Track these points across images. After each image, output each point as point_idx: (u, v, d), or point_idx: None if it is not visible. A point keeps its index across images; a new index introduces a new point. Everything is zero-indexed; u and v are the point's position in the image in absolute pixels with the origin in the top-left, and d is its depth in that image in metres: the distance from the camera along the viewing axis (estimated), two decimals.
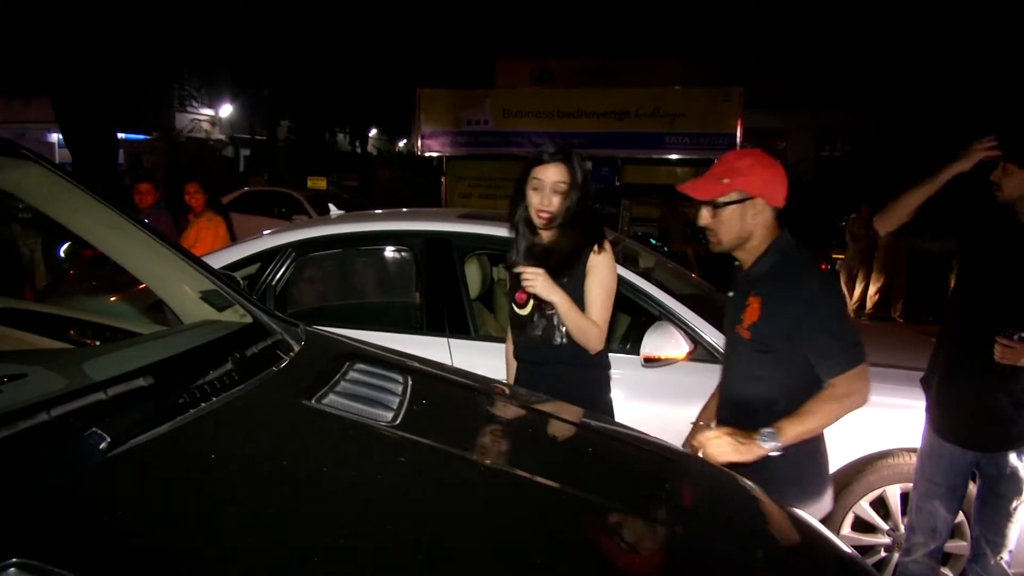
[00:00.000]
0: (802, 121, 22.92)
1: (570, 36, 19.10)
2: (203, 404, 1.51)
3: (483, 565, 1.15)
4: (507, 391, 2.11)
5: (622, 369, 3.48)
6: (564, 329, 2.71)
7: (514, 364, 2.96)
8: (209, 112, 26.32)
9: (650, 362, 3.25)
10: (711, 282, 4.72)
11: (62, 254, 3.77)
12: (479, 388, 2.06)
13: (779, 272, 2.32)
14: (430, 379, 1.99)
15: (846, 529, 3.45)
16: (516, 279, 2.76)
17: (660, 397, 3.39)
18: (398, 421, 1.58)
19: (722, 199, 2.33)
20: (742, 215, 2.33)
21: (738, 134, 14.42)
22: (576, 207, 2.71)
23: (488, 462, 1.44)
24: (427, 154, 16.50)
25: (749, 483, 1.94)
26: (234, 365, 1.71)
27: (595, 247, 2.73)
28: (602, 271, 2.73)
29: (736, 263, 2.50)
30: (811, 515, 2.07)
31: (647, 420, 3.16)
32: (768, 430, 2.17)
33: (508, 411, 1.92)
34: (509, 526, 1.29)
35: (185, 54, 16.07)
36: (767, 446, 2.15)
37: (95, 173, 11.91)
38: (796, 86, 20.82)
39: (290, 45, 18.83)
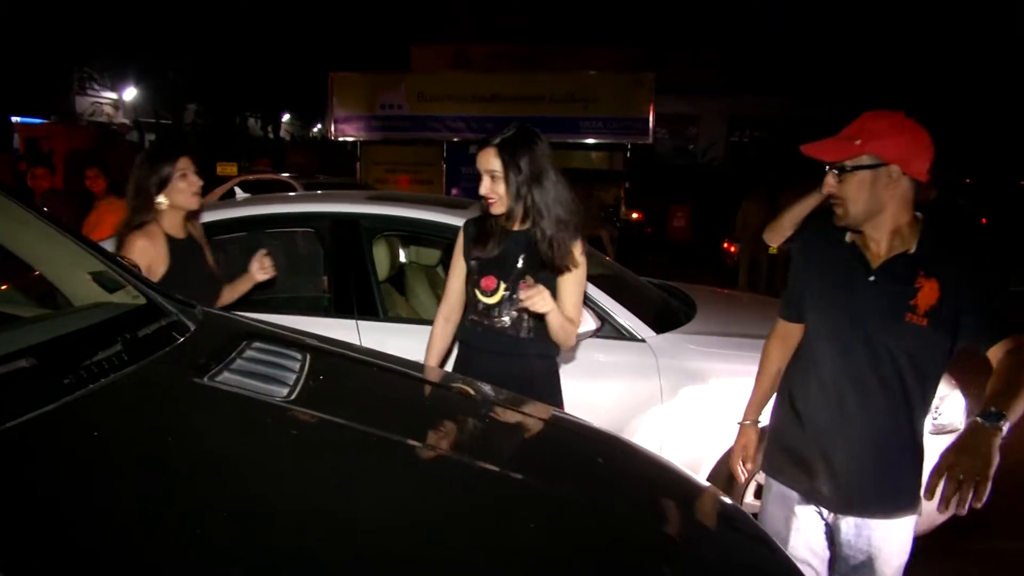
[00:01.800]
0: (713, 107, 23.52)
1: (487, 21, 19.06)
2: (90, 385, 1.47)
3: (373, 532, 1.17)
4: (405, 366, 2.12)
5: None
6: (532, 323, 2.66)
7: (440, 345, 2.88)
8: (112, 95, 25.28)
9: None
10: (625, 264, 4.82)
11: None
12: (378, 364, 2.06)
13: (952, 247, 2.04)
14: (330, 356, 1.99)
15: None
16: (482, 265, 2.70)
17: (571, 373, 3.46)
18: (293, 396, 1.58)
19: (850, 163, 2.04)
20: (873, 183, 2.03)
21: (651, 119, 14.70)
22: (528, 194, 2.59)
23: (381, 432, 1.45)
24: (341, 139, 16.26)
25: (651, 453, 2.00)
26: (124, 346, 1.67)
27: (579, 243, 2.67)
28: (583, 268, 2.68)
29: (848, 240, 2.16)
30: (909, 511, 2.07)
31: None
32: (995, 411, 1.78)
33: (404, 384, 1.94)
34: (404, 494, 1.31)
35: (85, 35, 15.38)
36: (1002, 429, 1.77)
37: None
38: (707, 73, 21.32)
39: (197, 26, 18.23)
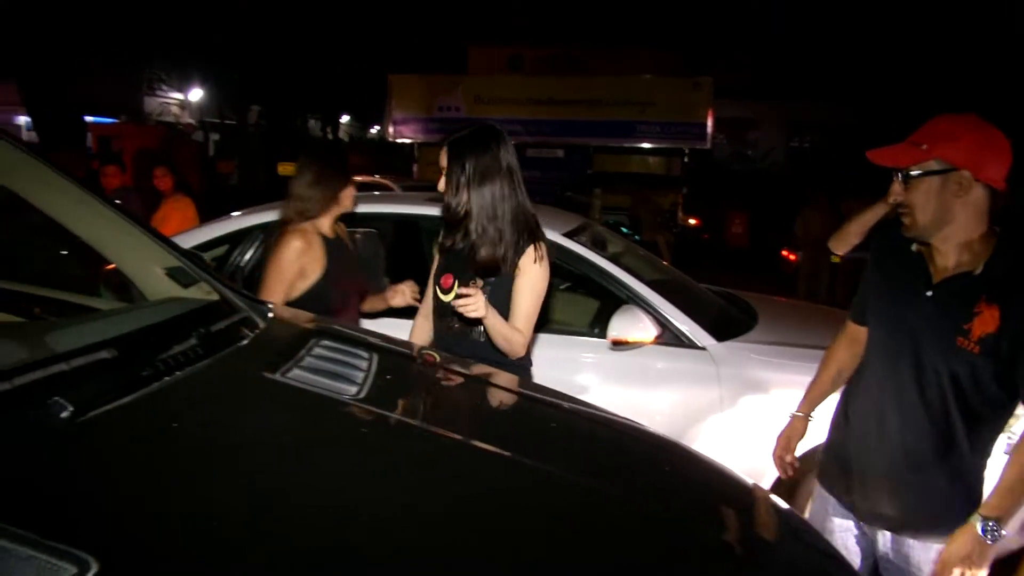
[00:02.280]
0: (772, 112, 23.16)
1: (541, 23, 19.08)
2: (167, 377, 1.51)
3: (440, 529, 1.18)
4: (471, 368, 2.13)
5: (590, 353, 3.53)
6: (483, 328, 2.54)
7: (418, 343, 2.81)
8: (178, 96, 25.97)
9: (617, 345, 3.29)
10: (682, 270, 4.77)
11: (27, 235, 3.72)
12: (445, 365, 2.07)
13: (1016, 272, 1.87)
14: (396, 356, 2.01)
15: None
16: (447, 262, 2.66)
17: (629, 380, 3.44)
18: (362, 395, 1.59)
19: (916, 168, 1.91)
20: (941, 190, 1.88)
21: (709, 123, 14.55)
22: (462, 194, 2.52)
23: (450, 434, 1.46)
24: (399, 140, 16.43)
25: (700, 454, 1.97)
26: (199, 340, 1.71)
27: (531, 250, 2.53)
28: (533, 276, 2.53)
29: (914, 250, 2.05)
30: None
31: (614, 403, 3.21)
32: (987, 520, 1.81)
33: (472, 388, 1.94)
34: (470, 495, 1.31)
35: (155, 37, 15.84)
36: (991, 539, 1.81)
37: (64, 156, 11.73)
38: (765, 77, 21.00)
39: (260, 29, 18.62)
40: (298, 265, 2.87)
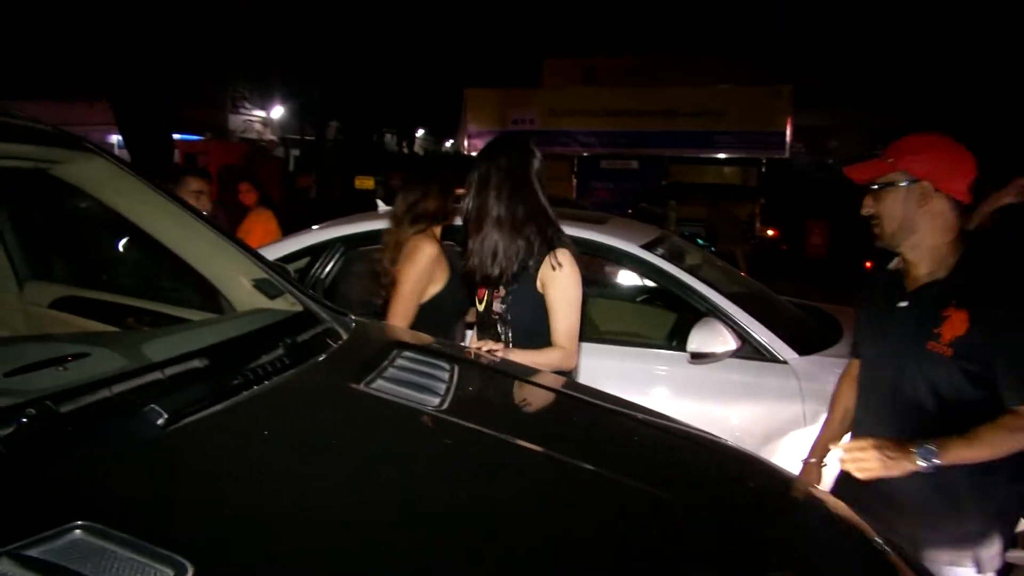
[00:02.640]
0: (852, 120, 22.50)
1: (616, 36, 19.03)
2: (256, 386, 1.55)
3: (517, 538, 1.17)
4: (555, 382, 2.12)
5: (669, 365, 3.48)
6: (510, 336, 2.53)
7: None
8: (261, 114, 26.81)
9: (697, 358, 3.23)
10: (760, 282, 4.67)
11: (120, 248, 3.89)
12: (525, 378, 2.07)
13: (997, 282, 1.97)
14: (476, 367, 2.01)
15: None
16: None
17: (706, 394, 3.37)
18: (445, 406, 1.60)
19: (881, 180, 2.06)
20: (905, 201, 2.01)
21: (788, 133, 14.23)
22: (510, 203, 2.48)
23: (532, 447, 1.45)
24: (473, 154, 16.55)
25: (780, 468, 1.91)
26: (285, 350, 1.75)
27: (549, 259, 2.45)
28: (562, 285, 2.44)
29: (892, 267, 2.18)
30: (971, 560, 1.91)
31: (693, 417, 3.15)
32: (929, 445, 1.86)
33: (555, 400, 1.93)
34: (553, 508, 1.30)
35: (238, 58, 16.41)
36: (922, 463, 1.86)
37: (151, 172, 12.22)
38: (843, 84, 20.42)
39: (339, 47, 19.10)
40: (434, 269, 2.91)
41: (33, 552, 0.90)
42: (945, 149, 2.02)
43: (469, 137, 16.32)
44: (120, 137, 15.40)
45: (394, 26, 19.36)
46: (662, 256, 3.68)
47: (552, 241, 2.48)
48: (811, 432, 3.20)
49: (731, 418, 3.31)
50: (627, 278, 4.88)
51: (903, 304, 2.08)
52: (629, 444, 1.73)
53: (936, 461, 1.86)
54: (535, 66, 19.12)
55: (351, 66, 20.58)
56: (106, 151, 2.23)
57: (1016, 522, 1.96)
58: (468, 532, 1.15)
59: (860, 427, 2.21)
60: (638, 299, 4.74)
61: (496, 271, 2.49)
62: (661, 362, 3.53)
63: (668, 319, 4.13)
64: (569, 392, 1.96)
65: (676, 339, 3.61)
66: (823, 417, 3.21)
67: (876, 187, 2.08)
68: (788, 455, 3.20)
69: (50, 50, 14.10)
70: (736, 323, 3.40)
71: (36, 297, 2.65)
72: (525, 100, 16.08)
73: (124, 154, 15.33)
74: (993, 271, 1.99)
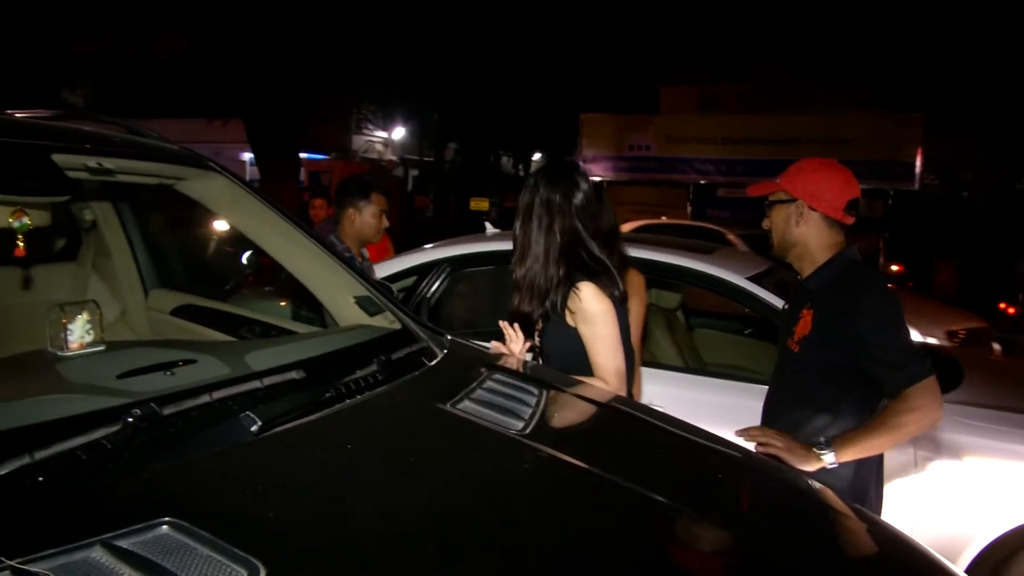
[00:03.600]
0: (990, 149, 21.22)
1: (736, 62, 18.68)
2: (347, 400, 1.61)
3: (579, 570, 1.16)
4: (644, 411, 2.09)
5: None
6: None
7: None
8: (383, 134, 27.74)
9: None
10: None
11: (244, 260, 4.12)
12: (614, 406, 2.05)
13: (839, 285, 2.22)
14: (565, 394, 2.01)
15: None
16: None
17: None
18: (528, 430, 1.61)
19: (771, 198, 2.36)
20: (786, 217, 2.32)
21: (918, 162, 13.60)
22: (545, 235, 2.40)
23: (609, 477, 1.44)
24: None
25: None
26: (379, 367, 1.80)
27: (573, 295, 2.34)
28: (591, 321, 2.34)
29: (798, 276, 2.42)
30: None
31: None
32: (824, 440, 2.12)
33: (643, 432, 1.91)
34: (623, 545, 1.28)
35: (364, 81, 17.05)
36: (824, 459, 2.10)
37: (279, 189, 12.85)
38: (978, 111, 19.25)
39: (459, 72, 19.57)
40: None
41: (123, 543, 0.96)
42: (823, 171, 2.28)
43: (584, 162, 16.33)
44: (251, 155, 16.28)
45: (513, 50, 19.68)
46: (770, 288, 3.58)
47: (574, 275, 2.36)
48: (919, 481, 3.04)
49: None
50: (734, 310, 4.76)
51: (785, 307, 2.54)
52: (713, 479, 1.68)
53: (831, 455, 2.10)
54: (653, 92, 19.03)
55: (471, 89, 21.03)
56: (227, 170, 2.37)
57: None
58: (527, 558, 1.15)
59: (766, 417, 2.49)
60: (745, 332, 4.62)
61: (529, 305, 2.43)
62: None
63: (774, 354, 3.99)
64: (661, 425, 1.93)
65: None
66: (939, 466, 3.05)
67: (767, 203, 2.38)
68: (896, 504, 3.04)
69: (189, 72, 15.07)
70: None
71: (159, 304, 2.83)
72: (642, 126, 16.00)
73: (254, 171, 16.19)
74: (840, 274, 2.24)
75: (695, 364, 4.14)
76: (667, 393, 3.25)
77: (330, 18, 12.54)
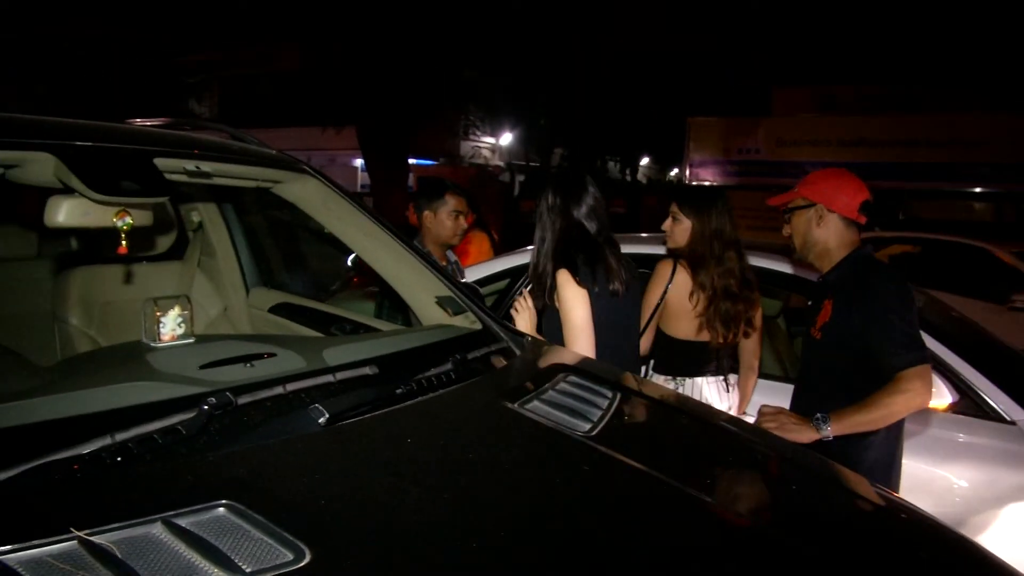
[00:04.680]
0: None
1: (853, 63, 17.93)
2: (419, 397, 1.64)
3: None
4: (722, 418, 2.04)
5: None
6: None
7: None
8: (490, 140, 28.07)
9: None
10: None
11: (349, 263, 4.27)
12: (691, 413, 2.01)
13: (855, 277, 2.47)
14: (640, 398, 1.99)
15: None
16: None
17: (915, 452, 3.07)
18: (594, 433, 1.60)
19: (790, 205, 2.61)
20: (807, 221, 2.57)
21: None
22: (546, 232, 2.77)
23: (672, 483, 1.41)
24: (696, 183, 16.25)
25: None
26: (453, 365, 1.83)
27: (556, 276, 2.67)
28: (564, 304, 2.65)
29: (819, 277, 2.68)
30: None
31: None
32: (822, 415, 2.34)
33: (716, 439, 1.86)
34: (679, 555, 1.25)
35: (473, 88, 17.32)
36: (821, 431, 2.33)
37: (388, 194, 13.22)
38: None
39: (568, 79, 19.60)
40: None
41: (182, 522, 1.02)
42: (834, 178, 2.58)
43: (692, 166, 16.05)
44: (362, 161, 16.80)
45: (621, 55, 19.57)
46: None
47: (558, 265, 2.68)
48: None
49: (942, 481, 2.99)
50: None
51: (809, 303, 2.74)
52: (787, 493, 1.63)
53: (828, 429, 2.32)
54: (762, 95, 18.48)
55: (578, 94, 21.02)
56: (321, 172, 2.45)
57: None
58: (577, 561, 1.14)
59: (794, 401, 2.75)
60: None
61: (535, 296, 2.78)
62: None
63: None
64: (737, 431, 1.88)
65: None
66: None
67: (786, 212, 2.64)
68: (1008, 532, 2.85)
69: (305, 83, 15.73)
70: (954, 374, 3.08)
71: (259, 302, 2.97)
72: (751, 129, 15.57)
73: (365, 177, 16.68)
74: (856, 268, 2.48)
75: (778, 372, 3.99)
76: (766, 403, 3.15)
77: (440, 25, 12.79)
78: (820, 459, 1.83)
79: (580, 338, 2.61)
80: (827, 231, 2.54)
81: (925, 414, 2.98)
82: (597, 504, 1.30)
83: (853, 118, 14.98)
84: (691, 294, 3.08)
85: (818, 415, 2.35)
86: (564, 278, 2.64)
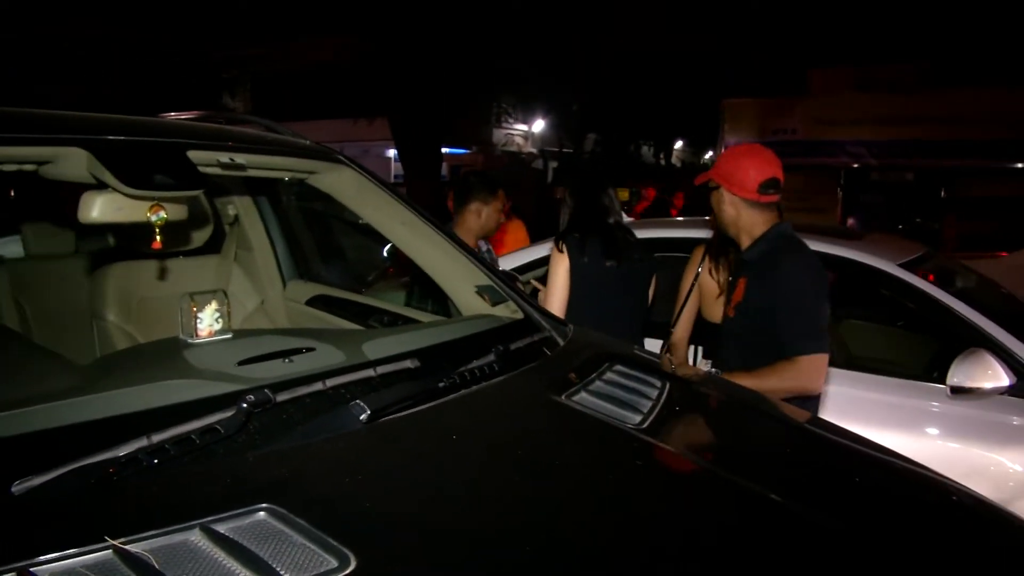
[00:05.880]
0: None
1: (892, 42, 17.48)
2: (463, 390, 1.59)
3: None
4: (772, 407, 1.96)
5: (925, 399, 3.10)
6: None
7: None
8: (523, 127, 27.92)
9: (958, 392, 2.85)
10: None
11: (385, 253, 4.24)
12: (741, 402, 1.93)
13: (767, 255, 2.48)
14: (691, 386, 1.91)
15: None
16: None
17: (970, 436, 2.96)
18: (645, 425, 1.53)
19: (710, 186, 2.64)
20: (717, 201, 2.60)
21: None
22: (564, 217, 3.26)
23: (727, 475, 1.34)
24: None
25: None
26: (496, 357, 1.77)
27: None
28: (549, 268, 3.15)
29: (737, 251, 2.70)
30: None
31: (953, 460, 2.80)
32: (715, 371, 2.50)
33: (771, 431, 1.78)
34: (731, 549, 1.18)
35: (506, 76, 17.22)
36: None
37: (422, 183, 13.21)
38: None
39: (600, 61, 19.39)
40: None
41: (221, 528, 0.97)
42: (734, 158, 2.58)
43: (727, 148, 15.79)
44: (395, 151, 16.80)
45: (653, 38, 19.29)
46: (925, 276, 3.30)
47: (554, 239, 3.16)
48: None
49: (999, 467, 2.88)
50: (884, 300, 4.44)
51: (730, 279, 2.77)
52: (845, 482, 1.54)
53: None
54: (797, 77, 18.11)
55: (611, 79, 20.80)
56: (355, 162, 2.41)
57: None
58: (624, 556, 1.08)
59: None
60: (897, 323, 4.29)
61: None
62: (919, 395, 3.15)
63: (930, 347, 3.69)
64: (793, 423, 1.80)
65: (937, 370, 3.21)
66: None
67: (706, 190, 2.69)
68: None
69: (337, 76, 15.75)
70: (1014, 356, 2.96)
71: (296, 295, 2.93)
72: (787, 109, 15.24)
73: (398, 167, 16.68)
74: (771, 247, 2.49)
75: (841, 358, 3.88)
76: None
77: (472, 14, 12.71)
78: (883, 448, 1.74)
79: (552, 297, 3.08)
80: (735, 211, 2.56)
81: (978, 398, 2.87)
82: (650, 499, 1.23)
83: (892, 95, 14.59)
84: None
85: (712, 370, 2.52)
86: (551, 248, 3.15)
